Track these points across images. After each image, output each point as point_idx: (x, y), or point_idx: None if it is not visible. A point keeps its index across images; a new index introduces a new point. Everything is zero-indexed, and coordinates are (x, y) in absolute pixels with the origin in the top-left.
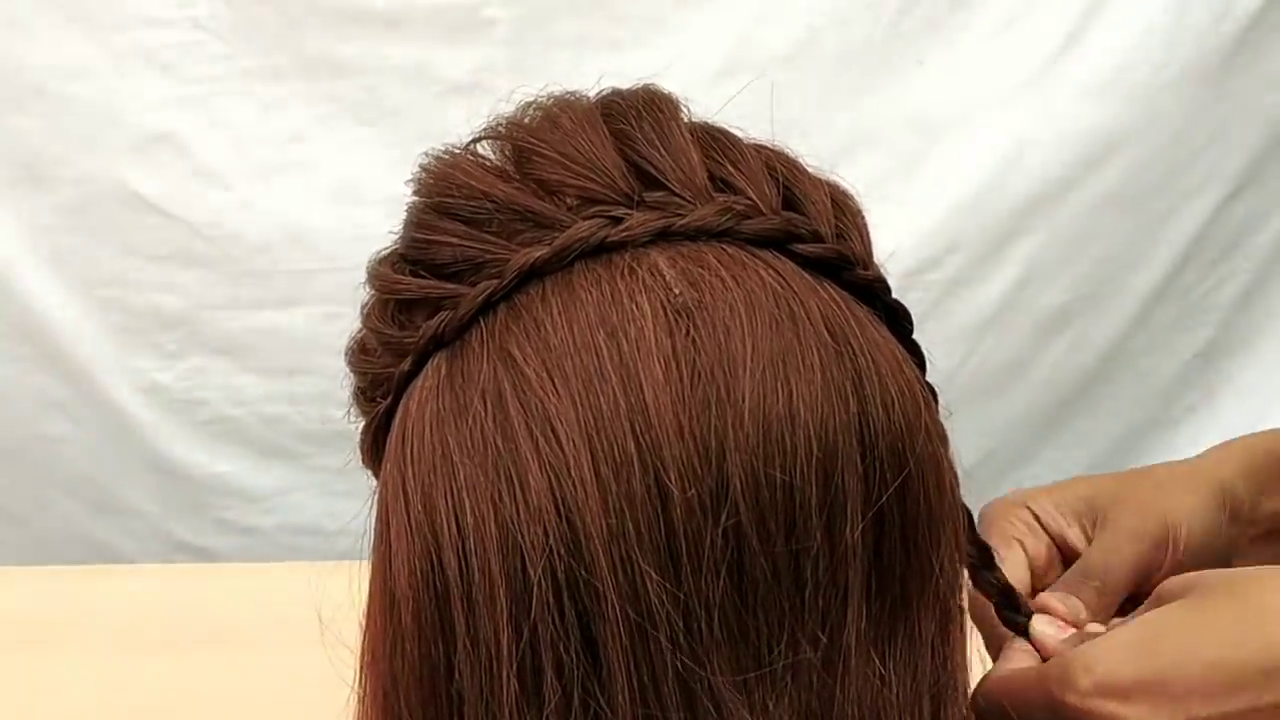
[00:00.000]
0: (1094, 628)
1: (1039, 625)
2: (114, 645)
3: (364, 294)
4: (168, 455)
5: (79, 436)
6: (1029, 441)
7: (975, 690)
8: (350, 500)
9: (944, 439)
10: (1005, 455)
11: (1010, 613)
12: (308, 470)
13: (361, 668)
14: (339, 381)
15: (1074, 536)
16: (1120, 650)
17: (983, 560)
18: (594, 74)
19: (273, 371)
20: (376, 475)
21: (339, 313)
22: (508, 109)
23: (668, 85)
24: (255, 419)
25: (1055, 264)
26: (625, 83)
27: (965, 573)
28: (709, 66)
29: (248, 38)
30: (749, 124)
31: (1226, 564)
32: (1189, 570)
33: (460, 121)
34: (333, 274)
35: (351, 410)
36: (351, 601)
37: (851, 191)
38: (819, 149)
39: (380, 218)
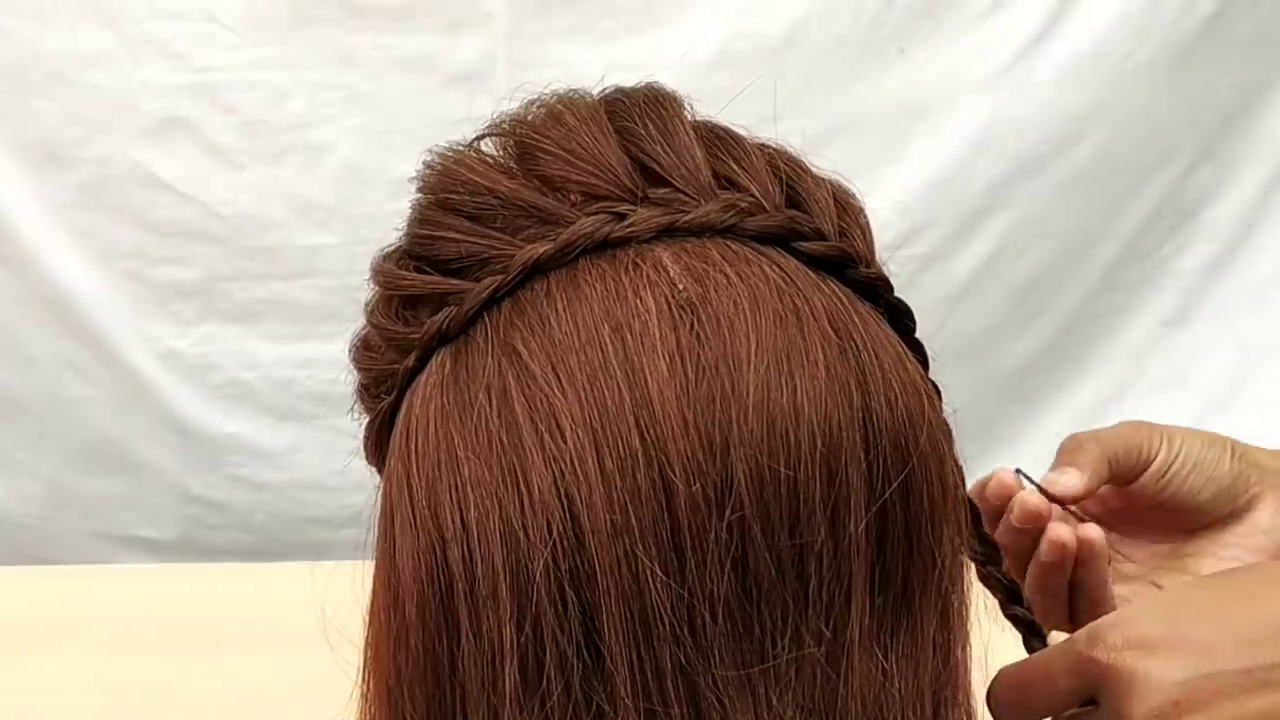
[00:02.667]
0: None
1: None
2: (114, 645)
3: (367, 270)
4: (183, 416)
5: (100, 398)
6: (1003, 403)
7: (990, 689)
8: (355, 458)
9: (948, 436)
10: (979, 415)
11: (1017, 607)
12: (315, 430)
13: (365, 663)
14: (343, 346)
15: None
16: (1148, 610)
17: (988, 557)
18: (590, 66)
19: (281, 338)
20: (380, 471)
21: (344, 284)
22: (508, 102)
23: (661, 75)
24: (265, 383)
25: (1026, 238)
26: (622, 74)
27: (971, 568)
28: (701, 57)
29: (257, 29)
30: (739, 111)
31: (1231, 497)
32: (1181, 471)
33: (459, 109)
34: (337, 249)
35: (355, 407)
36: (353, 599)
37: (853, 190)
38: (806, 134)
39: (382, 198)
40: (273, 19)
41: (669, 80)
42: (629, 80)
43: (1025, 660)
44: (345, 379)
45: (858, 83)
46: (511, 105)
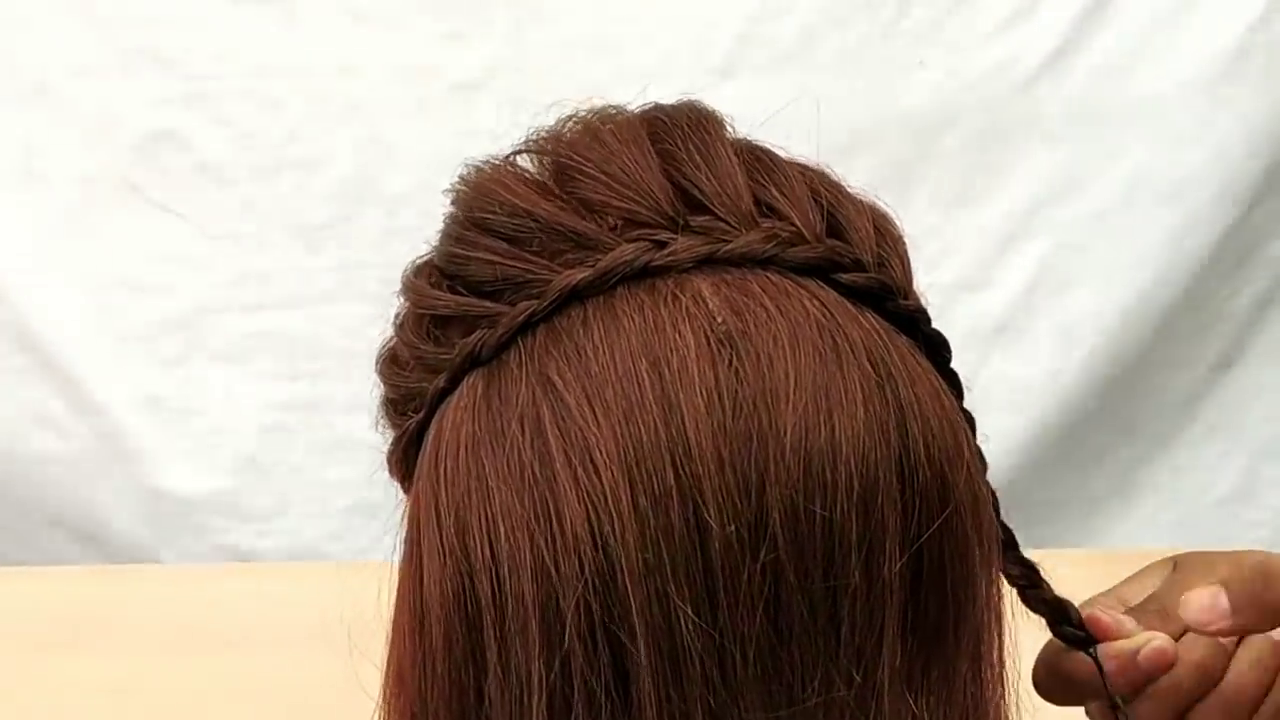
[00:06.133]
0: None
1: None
2: (116, 646)
3: (367, 293)
4: (162, 473)
5: (69, 455)
6: (1047, 462)
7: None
8: (354, 517)
9: (981, 468)
10: (1022, 475)
11: (1067, 628)
12: (307, 485)
13: (387, 681)
14: (340, 386)
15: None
16: None
17: (1029, 580)
18: (594, 74)
19: (273, 378)
20: (405, 488)
21: (342, 313)
22: (514, 110)
23: (667, 85)
24: (254, 430)
25: (1063, 270)
26: (627, 84)
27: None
28: (708, 67)
29: (251, 35)
30: (747, 125)
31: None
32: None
33: (461, 120)
34: (335, 272)
35: (379, 421)
36: (363, 600)
37: (891, 216)
38: (815, 151)
39: (382, 214)
40: (266, 26)
41: (674, 89)
42: (634, 90)
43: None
44: (343, 424)
45: (872, 95)
46: (514, 110)
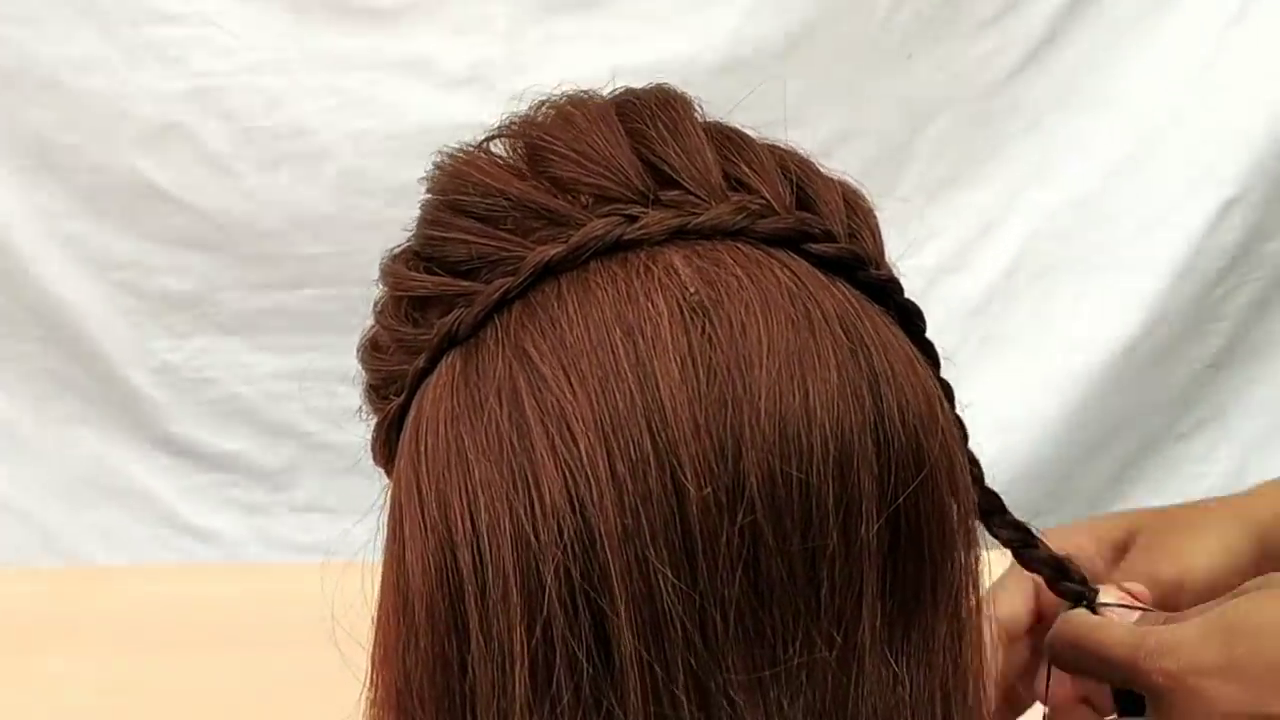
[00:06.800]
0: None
1: (1106, 597)
2: (114, 645)
3: (367, 277)
4: (177, 434)
5: (91, 417)
6: (1041, 458)
7: (1059, 625)
8: (355, 477)
9: (961, 437)
10: (1016, 471)
11: (1067, 583)
12: (313, 448)
13: (373, 665)
14: (343, 360)
15: (1101, 570)
16: (1207, 636)
17: (1024, 540)
18: (593, 70)
19: (279, 350)
20: (388, 473)
21: (343, 294)
22: (513, 105)
23: (666, 80)
24: (262, 397)
25: (1043, 255)
26: (625, 79)
27: (1003, 560)
28: (707, 62)
29: (255, 32)
30: (743, 118)
31: None
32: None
33: (459, 114)
34: (337, 258)
35: (362, 408)
36: (361, 599)
37: (863, 191)
38: (816, 137)
39: (381, 205)
40: (270, 23)
41: (673, 84)
42: (634, 84)
43: (1092, 626)
44: (345, 393)
45: (866, 88)
46: (520, 107)
